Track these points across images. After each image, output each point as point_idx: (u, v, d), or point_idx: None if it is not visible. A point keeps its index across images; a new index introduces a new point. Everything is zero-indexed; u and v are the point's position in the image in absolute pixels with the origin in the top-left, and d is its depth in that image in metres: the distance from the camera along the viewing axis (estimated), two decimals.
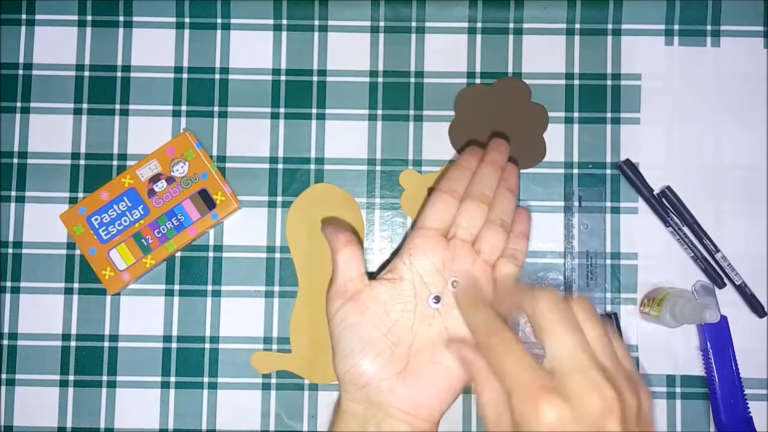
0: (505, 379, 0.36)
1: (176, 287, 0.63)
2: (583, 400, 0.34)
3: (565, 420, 0.33)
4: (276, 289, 0.62)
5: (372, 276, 0.49)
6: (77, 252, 0.62)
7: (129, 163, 0.63)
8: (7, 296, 0.62)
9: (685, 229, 0.62)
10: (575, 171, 0.63)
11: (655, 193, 0.62)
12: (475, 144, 0.56)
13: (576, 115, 0.64)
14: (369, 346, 0.44)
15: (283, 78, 0.64)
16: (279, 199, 0.63)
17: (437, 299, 0.46)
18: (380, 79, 0.64)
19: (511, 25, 0.64)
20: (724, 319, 0.61)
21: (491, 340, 0.39)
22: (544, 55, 0.64)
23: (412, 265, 0.45)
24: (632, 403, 0.35)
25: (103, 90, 0.64)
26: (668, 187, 0.62)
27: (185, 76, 0.64)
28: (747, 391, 0.60)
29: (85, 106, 0.64)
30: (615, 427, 0.33)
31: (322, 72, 0.64)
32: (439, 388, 0.44)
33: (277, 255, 0.63)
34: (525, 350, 0.37)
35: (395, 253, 0.47)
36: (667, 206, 0.62)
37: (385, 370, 0.44)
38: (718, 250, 0.61)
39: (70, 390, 0.62)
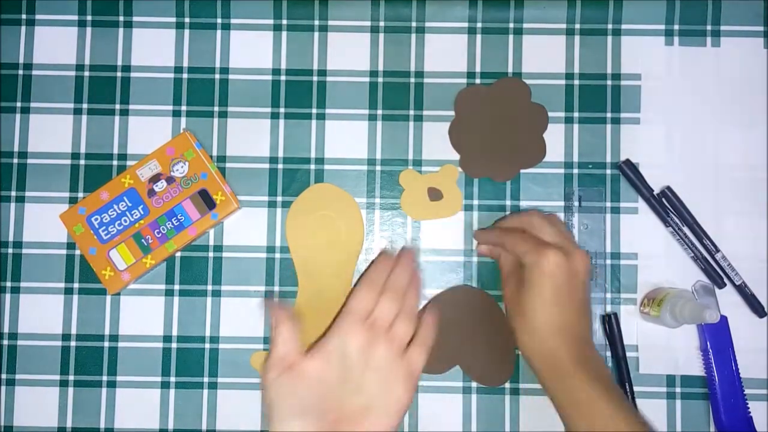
0: (521, 247, 0.55)
1: (176, 287, 0.63)
2: (574, 255, 0.54)
3: (562, 263, 0.53)
4: (276, 289, 0.62)
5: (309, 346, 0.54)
6: (77, 252, 0.62)
7: (129, 163, 0.63)
8: (7, 296, 0.62)
9: (685, 229, 0.62)
10: (575, 171, 0.63)
11: (655, 193, 0.62)
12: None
13: (576, 115, 0.64)
14: (302, 412, 0.51)
15: (283, 78, 0.64)
16: (279, 199, 0.63)
17: None
18: (380, 79, 0.64)
19: (511, 25, 0.64)
20: (724, 319, 0.61)
21: (507, 235, 0.58)
22: (544, 55, 0.64)
23: (341, 344, 0.52)
24: (589, 260, 0.56)
25: (103, 90, 0.64)
26: (668, 187, 0.62)
27: (185, 76, 0.64)
28: (747, 391, 0.60)
29: (85, 106, 0.64)
30: (583, 280, 0.54)
31: (322, 72, 0.64)
32: None
33: (277, 255, 0.63)
34: (527, 236, 0.56)
35: (326, 332, 0.54)
36: (667, 206, 0.62)
37: None
38: (718, 250, 0.61)
39: (70, 390, 0.62)
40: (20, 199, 0.63)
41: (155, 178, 0.61)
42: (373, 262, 0.58)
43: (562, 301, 0.53)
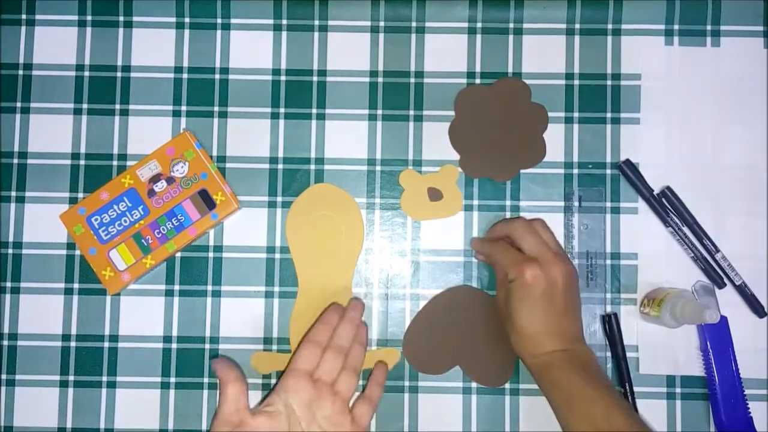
0: (504, 261, 0.58)
1: (176, 287, 0.63)
2: (551, 266, 0.56)
3: (539, 276, 0.56)
4: (276, 289, 0.62)
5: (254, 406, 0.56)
6: (77, 252, 0.62)
7: (129, 163, 0.63)
8: (7, 296, 0.62)
9: (685, 229, 0.62)
10: (575, 171, 0.63)
11: (655, 193, 0.62)
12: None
13: (576, 115, 0.64)
14: None
15: (283, 78, 0.64)
16: (279, 199, 0.63)
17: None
18: (380, 79, 0.64)
19: (511, 25, 0.64)
20: (724, 319, 0.61)
21: (493, 247, 0.60)
22: (544, 55, 0.64)
23: (287, 401, 0.55)
24: (572, 269, 0.58)
25: (103, 90, 0.64)
26: (668, 187, 0.62)
27: (185, 76, 0.64)
28: (747, 391, 0.60)
29: (85, 106, 0.64)
30: (563, 286, 0.56)
31: (322, 72, 0.64)
32: None
33: (277, 255, 0.63)
34: (513, 248, 0.59)
35: (272, 390, 0.56)
36: (667, 206, 0.62)
37: None
38: (718, 250, 0.61)
39: (70, 390, 0.62)
40: (20, 199, 0.63)
41: (155, 179, 0.61)
42: (319, 317, 0.60)
43: (543, 309, 0.56)
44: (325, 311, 0.60)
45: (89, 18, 0.64)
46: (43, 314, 0.62)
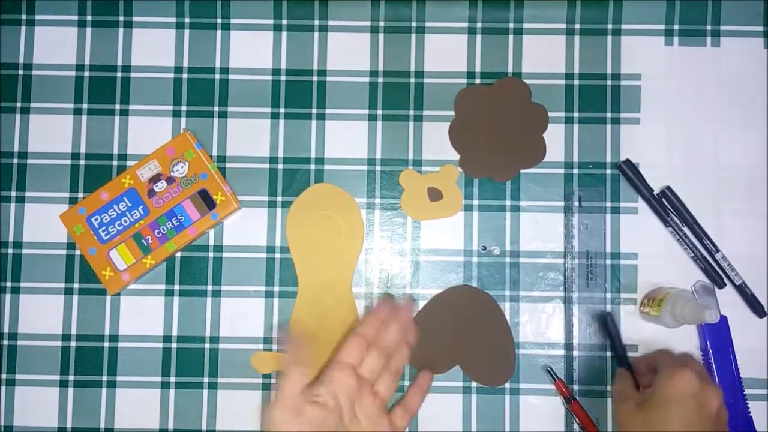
0: (659, 361, 0.54)
1: (176, 287, 0.63)
2: (709, 385, 0.51)
3: (694, 384, 0.51)
4: (276, 289, 0.62)
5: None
6: (77, 252, 0.62)
7: (129, 163, 0.63)
8: (7, 296, 0.62)
9: (685, 229, 0.62)
10: (575, 171, 0.63)
11: (655, 193, 0.62)
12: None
13: (576, 115, 0.64)
14: None
15: (283, 78, 0.64)
16: (279, 199, 0.63)
17: (484, 248, 0.62)
18: (380, 79, 0.64)
19: (511, 25, 0.64)
20: (724, 319, 0.61)
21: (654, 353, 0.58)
22: (544, 55, 0.64)
23: (334, 393, 0.55)
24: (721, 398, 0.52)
25: (103, 90, 0.64)
26: (668, 187, 0.62)
27: (185, 76, 0.64)
28: (747, 391, 0.60)
29: (85, 106, 0.64)
30: (714, 412, 0.51)
31: (322, 72, 0.64)
32: None
33: (277, 255, 0.63)
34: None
35: (317, 380, 0.55)
36: (667, 206, 0.62)
37: None
38: (718, 250, 0.61)
39: (70, 390, 0.62)
40: (20, 199, 0.63)
41: (155, 179, 0.61)
42: (372, 307, 0.59)
43: (689, 424, 0.51)
44: (378, 303, 0.60)
45: (89, 18, 0.64)
46: (43, 314, 0.62)
